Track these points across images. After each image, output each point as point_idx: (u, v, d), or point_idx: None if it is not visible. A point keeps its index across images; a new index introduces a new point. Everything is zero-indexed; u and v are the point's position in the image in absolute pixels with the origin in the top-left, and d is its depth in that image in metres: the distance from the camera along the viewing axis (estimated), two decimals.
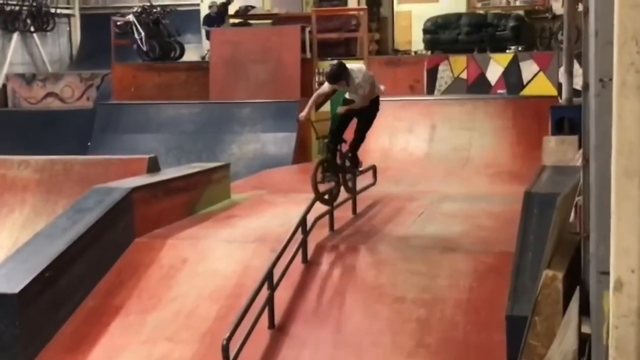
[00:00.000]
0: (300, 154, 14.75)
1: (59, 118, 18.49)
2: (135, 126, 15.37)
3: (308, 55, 15.95)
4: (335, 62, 8.66)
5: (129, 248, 8.01)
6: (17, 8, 20.38)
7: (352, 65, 8.43)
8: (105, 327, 7.04)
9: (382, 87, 8.63)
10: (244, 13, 18.86)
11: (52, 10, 21.34)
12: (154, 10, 17.95)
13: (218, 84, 16.12)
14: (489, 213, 9.01)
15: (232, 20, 18.53)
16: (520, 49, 15.82)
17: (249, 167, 13.73)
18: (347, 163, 8.76)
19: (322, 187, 8.24)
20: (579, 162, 7.20)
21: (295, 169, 13.85)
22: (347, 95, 8.47)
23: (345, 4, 18.53)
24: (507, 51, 15.83)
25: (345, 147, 8.72)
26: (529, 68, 14.82)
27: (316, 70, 16.46)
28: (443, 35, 16.85)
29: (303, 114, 8.54)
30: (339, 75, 8.14)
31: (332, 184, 8.39)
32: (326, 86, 8.43)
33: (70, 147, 14.68)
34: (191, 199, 9.35)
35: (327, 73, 8.44)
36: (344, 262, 7.49)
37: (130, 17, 17.65)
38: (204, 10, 19.22)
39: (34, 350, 6.73)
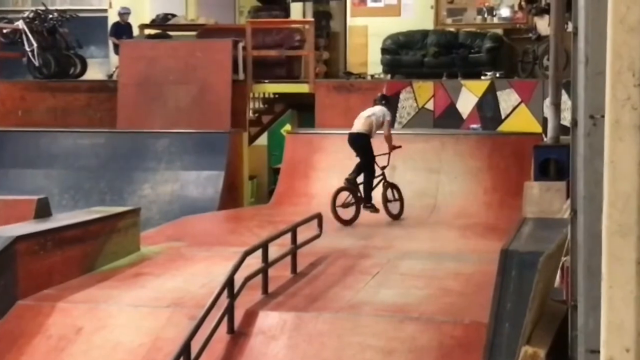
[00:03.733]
0: (229, 197, 14.74)
1: None
2: (22, 159, 15.16)
3: (241, 76, 16.01)
4: None
5: (9, 313, 7.89)
6: None
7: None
8: None
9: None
10: (162, 22, 18.89)
11: None
12: (50, 16, 17.78)
13: (128, 109, 16.04)
14: (458, 274, 9.09)
15: (147, 31, 18.54)
16: (497, 75, 16.05)
17: (165, 213, 13.67)
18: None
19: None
20: (566, 215, 7.32)
21: (222, 216, 13.85)
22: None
23: (288, 15, 18.64)
24: (483, 77, 16.05)
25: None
26: (508, 98, 15.04)
27: (251, 95, 16.54)
28: (406, 56, 17.04)
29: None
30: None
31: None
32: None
33: None
34: (90, 251, 9.27)
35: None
36: (279, 333, 7.46)
37: (20, 24, 17.49)
38: (113, 18, 19.19)
39: None
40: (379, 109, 12.82)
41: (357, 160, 12.63)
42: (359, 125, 12.67)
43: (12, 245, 8.09)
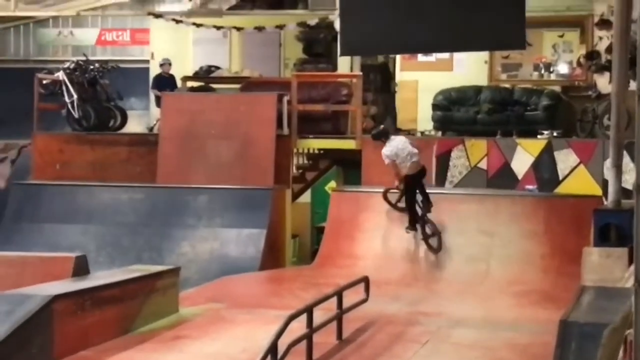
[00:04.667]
0: (270, 257, 14.75)
1: None
2: (59, 214, 15.32)
3: (285, 131, 16.09)
4: None
5: None
6: None
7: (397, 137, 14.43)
8: None
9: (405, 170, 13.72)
10: (205, 74, 19.11)
11: None
12: (91, 67, 18.04)
13: (168, 163, 16.18)
14: (514, 345, 9.01)
15: (189, 84, 18.75)
16: (555, 134, 15.97)
17: (204, 272, 13.69)
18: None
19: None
20: (628, 284, 7.26)
21: (264, 277, 13.85)
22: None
23: (335, 68, 18.78)
24: (539, 136, 15.97)
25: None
26: (566, 159, 14.94)
27: (295, 151, 16.62)
28: (458, 112, 17.04)
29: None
30: (379, 135, 14.12)
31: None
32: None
33: None
34: (128, 312, 9.33)
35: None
36: None
37: (60, 75, 17.74)
38: (155, 69, 19.46)
39: None
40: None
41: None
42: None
43: (50, 304, 8.15)
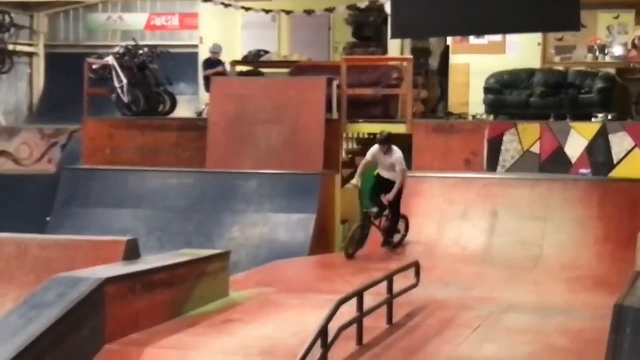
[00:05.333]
0: (320, 242, 14.80)
1: (12, 184, 18.79)
2: (109, 199, 15.50)
3: (335, 115, 16.12)
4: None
5: (97, 357, 8.00)
6: None
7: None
8: None
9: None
10: (255, 59, 19.15)
11: (10, 48, 21.80)
12: (141, 52, 18.19)
13: (218, 148, 16.28)
14: (567, 331, 8.96)
15: (239, 68, 18.81)
16: (610, 117, 15.86)
17: (254, 257, 13.79)
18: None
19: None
20: None
21: (313, 262, 13.89)
22: (380, 173, 13.76)
23: (385, 51, 18.72)
24: (593, 120, 15.86)
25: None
26: (621, 143, 14.80)
27: (345, 135, 16.62)
28: (510, 96, 16.95)
29: (356, 182, 13.61)
30: (389, 141, 13.60)
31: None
32: (369, 156, 13.64)
33: (25, 222, 14.83)
34: (178, 296, 9.38)
35: (378, 137, 13.90)
36: None
37: (110, 60, 17.92)
38: (204, 54, 19.54)
39: None
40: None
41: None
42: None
43: (101, 287, 8.25)
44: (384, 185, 13.61)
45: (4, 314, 8.20)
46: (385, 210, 13.61)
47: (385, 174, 13.71)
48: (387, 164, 13.62)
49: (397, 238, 13.86)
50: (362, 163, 13.86)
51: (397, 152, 13.58)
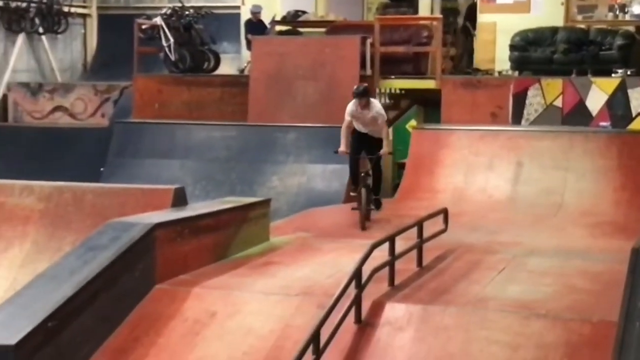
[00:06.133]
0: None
1: (68, 137, 18.91)
2: (158, 150, 15.59)
3: (368, 72, 16.05)
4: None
5: (147, 296, 8.10)
6: (24, 5, 20.92)
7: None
8: None
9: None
10: (293, 19, 19.10)
11: (65, 9, 21.86)
12: (186, 12, 18.21)
13: (259, 103, 16.30)
14: (586, 272, 8.94)
15: (278, 28, 18.76)
16: (629, 72, 15.69)
17: (292, 204, 13.84)
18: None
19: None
20: None
21: (348, 209, 13.89)
22: (361, 129, 11.94)
23: (416, 11, 18.59)
24: (613, 75, 15.69)
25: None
26: (639, 97, 14.69)
27: (377, 91, 16.56)
28: (534, 53, 16.76)
29: (342, 148, 10.81)
30: (367, 92, 11.74)
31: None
32: (348, 115, 11.75)
33: (81, 172, 14.98)
34: (223, 240, 9.46)
35: (354, 90, 11.84)
36: (405, 324, 7.47)
37: (158, 20, 17.92)
38: (245, 15, 19.49)
39: None
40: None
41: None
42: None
43: (152, 232, 8.32)
44: (364, 140, 12.09)
45: (63, 255, 8.30)
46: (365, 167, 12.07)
47: (364, 129, 12.11)
48: (367, 118, 11.99)
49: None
50: (344, 126, 12.04)
51: (376, 104, 12.09)
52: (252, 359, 7.28)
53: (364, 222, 11.54)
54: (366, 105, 11.71)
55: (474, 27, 17.94)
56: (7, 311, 7.28)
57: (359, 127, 12.02)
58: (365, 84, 12.16)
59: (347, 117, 11.81)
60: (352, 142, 11.83)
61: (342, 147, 11.72)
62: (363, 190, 11.70)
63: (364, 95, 11.71)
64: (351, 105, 11.76)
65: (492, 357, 6.96)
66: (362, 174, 11.83)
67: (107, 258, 7.81)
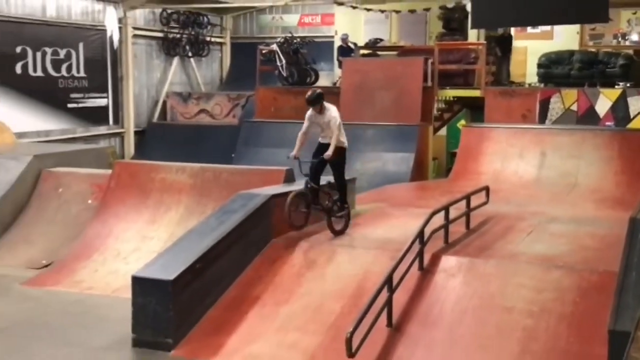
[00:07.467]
0: (417, 172, 14.72)
1: (209, 132, 19.21)
2: (273, 141, 15.66)
3: (429, 83, 15.90)
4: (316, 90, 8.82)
5: (266, 247, 8.21)
6: (178, 36, 21.31)
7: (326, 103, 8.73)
8: (244, 314, 7.27)
9: (344, 141, 8.93)
10: (373, 45, 19.01)
11: (208, 39, 22.20)
12: (295, 40, 18.28)
13: (347, 107, 16.26)
14: (594, 235, 8.76)
15: (362, 51, 18.71)
16: (628, 85, 15.25)
17: (371, 182, 13.79)
18: (335, 207, 8.85)
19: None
20: None
21: (413, 186, 13.85)
22: (320, 140, 8.85)
23: (466, 39, 18.33)
24: (616, 87, 15.27)
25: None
26: (636, 103, 14.23)
27: (436, 98, 16.41)
28: (556, 70, 16.40)
29: (294, 153, 8.72)
30: (318, 99, 8.59)
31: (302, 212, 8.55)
32: (306, 121, 8.79)
33: (218, 157, 15.16)
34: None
35: (306, 97, 8.65)
36: (456, 272, 7.44)
37: (274, 46, 18.03)
38: (337, 42, 19.49)
39: (184, 331, 7.00)
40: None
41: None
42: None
43: (270, 200, 8.43)
44: (323, 151, 8.66)
45: (206, 217, 8.45)
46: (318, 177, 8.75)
47: (322, 140, 8.83)
48: (323, 124, 8.72)
49: (340, 223, 8.81)
50: (300, 132, 8.85)
51: (331, 110, 8.69)
52: (342, 294, 7.34)
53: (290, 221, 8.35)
54: (322, 111, 8.59)
55: (501, 51, 17.59)
56: (166, 256, 7.49)
57: (319, 134, 8.92)
58: (319, 91, 8.73)
59: (305, 123, 8.76)
60: (315, 150, 8.77)
61: (294, 152, 8.69)
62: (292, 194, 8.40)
63: (315, 103, 8.58)
64: (310, 111, 8.66)
65: (522, 297, 6.89)
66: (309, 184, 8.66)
67: (238, 219, 7.95)
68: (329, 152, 8.53)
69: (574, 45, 17.65)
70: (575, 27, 17.79)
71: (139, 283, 7.01)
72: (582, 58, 16.33)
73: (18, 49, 16.30)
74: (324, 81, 19.42)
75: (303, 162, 8.69)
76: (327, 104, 8.71)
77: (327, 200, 8.81)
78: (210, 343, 6.90)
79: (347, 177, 9.36)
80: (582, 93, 14.84)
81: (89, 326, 7.46)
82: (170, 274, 6.99)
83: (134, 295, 7.00)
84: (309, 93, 8.68)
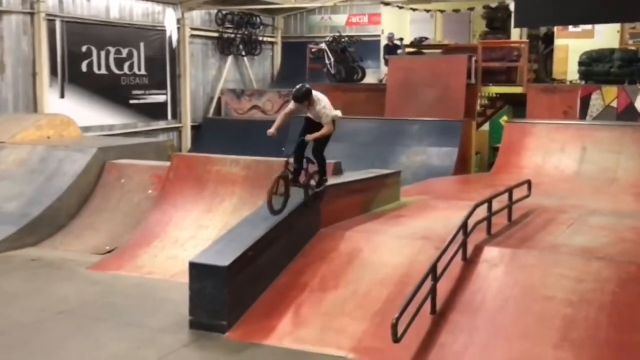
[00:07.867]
0: (460, 166, 14.59)
1: (261, 126, 18.97)
2: None
3: (473, 80, 15.76)
4: (302, 84, 7.80)
5: (315, 236, 8.22)
6: (232, 36, 21.47)
7: (316, 92, 7.82)
8: (294, 300, 7.31)
9: (338, 112, 8.12)
10: (418, 43, 18.88)
11: (260, 39, 22.32)
12: (343, 39, 18.29)
13: (392, 103, 16.23)
14: (633, 228, 8.57)
15: (407, 50, 18.60)
16: None
17: (416, 175, 13.72)
18: (313, 182, 8.12)
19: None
20: None
21: (456, 179, 13.73)
22: (308, 114, 7.90)
23: (509, 37, 18.06)
24: None
25: (312, 168, 8.12)
26: None
27: (479, 94, 16.23)
28: (597, 67, 16.06)
29: (272, 130, 7.77)
30: (305, 97, 7.65)
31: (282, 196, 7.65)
32: (291, 105, 7.80)
33: (269, 150, 15.20)
34: (367, 199, 9.49)
35: (293, 92, 7.72)
36: (499, 262, 7.36)
37: (323, 45, 18.08)
38: (383, 41, 19.40)
39: (237, 315, 7.08)
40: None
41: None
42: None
43: (317, 192, 8.41)
44: (312, 126, 7.97)
45: (258, 207, 8.39)
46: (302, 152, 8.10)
47: (311, 115, 8.02)
48: (313, 114, 7.96)
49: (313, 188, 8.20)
50: (284, 110, 8.05)
51: (321, 102, 7.86)
52: (388, 282, 7.32)
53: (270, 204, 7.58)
54: (311, 105, 7.75)
55: (543, 49, 17.27)
56: (221, 244, 7.56)
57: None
58: (307, 86, 7.79)
59: (291, 106, 7.84)
60: (303, 127, 8.02)
61: (272, 129, 7.84)
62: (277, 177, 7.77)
63: (302, 101, 7.70)
64: (294, 105, 7.86)
65: (562, 287, 6.78)
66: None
67: (288, 209, 7.94)
68: (313, 135, 7.72)
69: (614, 44, 17.22)
70: (616, 26, 17.34)
71: (195, 268, 7.11)
72: (622, 56, 15.96)
73: (84, 48, 16.63)
74: (370, 78, 19.38)
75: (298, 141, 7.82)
76: (316, 94, 7.73)
77: (309, 178, 7.99)
78: (262, 326, 6.96)
79: (392, 169, 9.50)
80: (622, 90, 14.52)
81: (148, 308, 7.60)
82: (225, 261, 7.06)
83: (191, 280, 7.10)
84: (296, 89, 7.61)
